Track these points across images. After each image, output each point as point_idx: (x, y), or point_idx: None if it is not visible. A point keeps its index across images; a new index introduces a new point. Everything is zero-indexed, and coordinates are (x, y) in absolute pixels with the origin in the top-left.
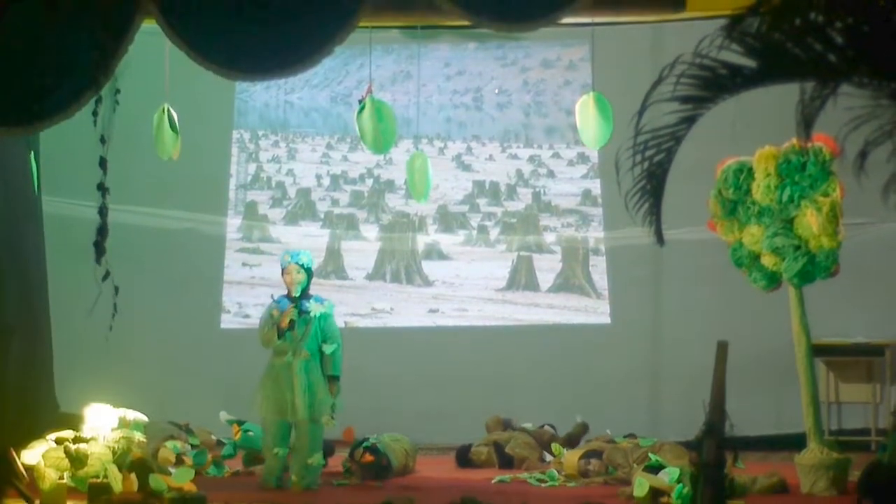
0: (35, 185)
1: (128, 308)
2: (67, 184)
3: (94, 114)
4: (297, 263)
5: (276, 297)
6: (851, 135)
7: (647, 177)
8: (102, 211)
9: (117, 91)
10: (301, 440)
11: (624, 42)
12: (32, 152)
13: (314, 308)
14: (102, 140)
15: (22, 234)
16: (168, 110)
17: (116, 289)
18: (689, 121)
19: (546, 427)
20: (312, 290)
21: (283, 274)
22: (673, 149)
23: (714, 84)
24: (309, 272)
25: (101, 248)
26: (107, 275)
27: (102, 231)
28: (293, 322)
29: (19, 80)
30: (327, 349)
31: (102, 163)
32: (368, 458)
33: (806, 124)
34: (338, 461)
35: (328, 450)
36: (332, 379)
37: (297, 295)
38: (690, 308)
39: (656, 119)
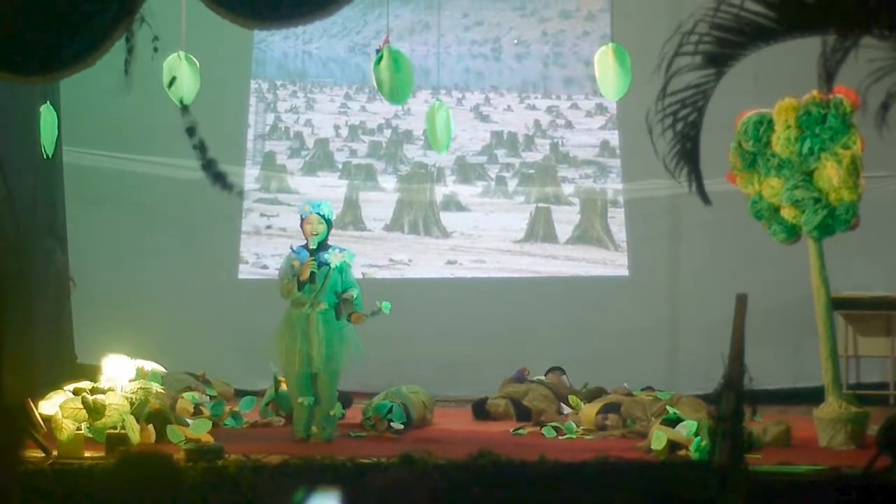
0: (54, 135)
1: (145, 258)
2: (87, 134)
3: (126, 62)
4: (318, 214)
5: (294, 248)
6: (873, 87)
7: (681, 140)
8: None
9: (155, 38)
10: (322, 392)
11: None
12: (49, 102)
13: (334, 258)
14: (182, 105)
15: (41, 184)
16: (188, 57)
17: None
18: (713, 80)
19: (556, 374)
20: (331, 241)
21: (302, 224)
22: (698, 120)
23: (735, 40)
24: (329, 223)
25: (224, 182)
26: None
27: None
28: (313, 274)
29: (38, 28)
30: (350, 295)
31: (184, 107)
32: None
33: (828, 76)
34: (355, 413)
35: (346, 401)
36: (357, 314)
37: (315, 247)
38: (709, 261)
39: (679, 76)
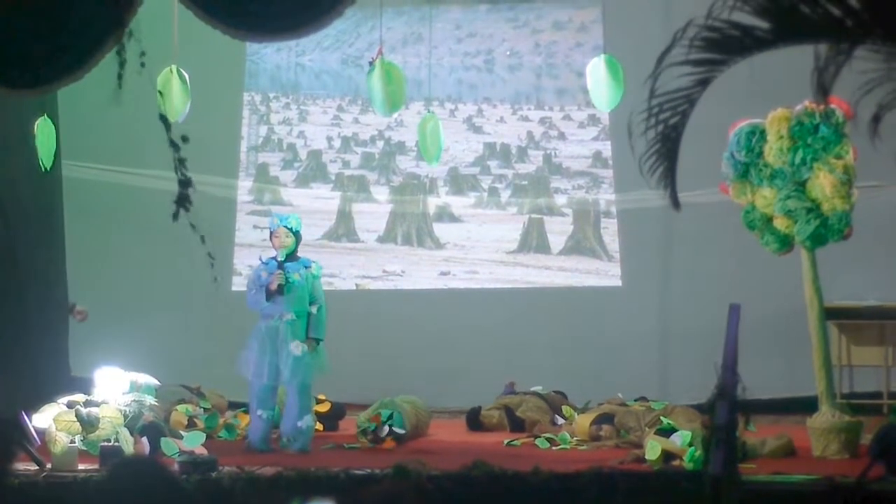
0: (52, 148)
1: (139, 271)
2: (83, 148)
3: (119, 77)
4: (285, 227)
5: (264, 259)
6: (864, 98)
7: (662, 141)
8: (179, 166)
9: (143, 53)
10: (290, 403)
11: (636, 4)
12: (45, 114)
13: (300, 272)
14: (161, 93)
15: (37, 197)
16: (179, 71)
17: (203, 237)
18: (702, 84)
19: (553, 393)
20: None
21: (271, 237)
22: (687, 112)
23: (726, 47)
24: (297, 236)
25: (182, 205)
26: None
27: (184, 186)
28: (281, 286)
29: (27, 41)
30: (313, 310)
31: (164, 119)
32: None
33: (822, 88)
34: (349, 424)
35: (339, 413)
36: (312, 339)
37: (283, 259)
38: (702, 271)
39: (669, 82)
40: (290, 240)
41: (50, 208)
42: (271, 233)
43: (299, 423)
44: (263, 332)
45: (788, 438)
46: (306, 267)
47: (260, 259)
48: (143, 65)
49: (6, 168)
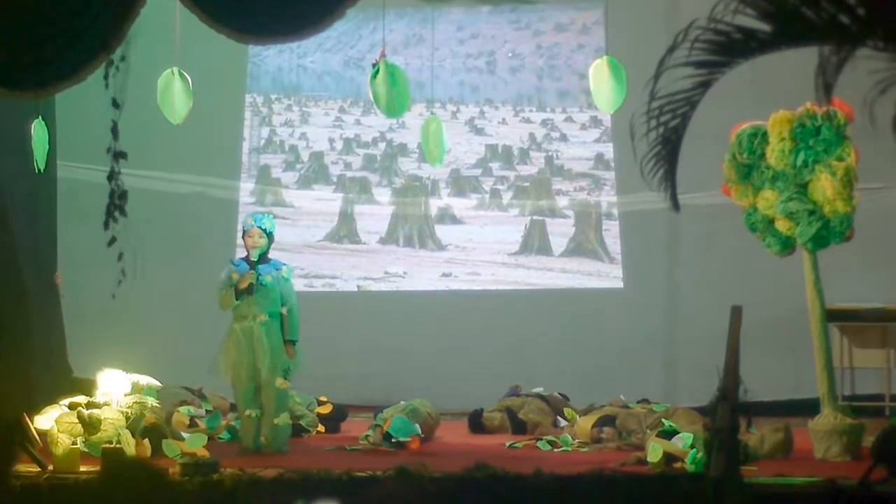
0: (45, 150)
1: (140, 273)
2: (79, 148)
3: (105, 77)
4: (259, 227)
5: (234, 260)
6: (878, 98)
7: (662, 142)
8: (112, 176)
9: (122, 58)
10: (266, 402)
11: (638, 5)
12: (40, 116)
13: (270, 275)
14: (115, 104)
15: (34, 198)
16: (181, 73)
17: (121, 255)
18: (704, 86)
19: (556, 395)
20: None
21: (244, 236)
22: (688, 114)
23: (729, 49)
24: (270, 237)
25: (111, 215)
26: (112, 240)
27: (113, 197)
28: (252, 286)
29: (29, 43)
30: (284, 311)
31: (114, 128)
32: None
33: (826, 87)
34: (351, 426)
35: (341, 415)
36: (289, 342)
37: (255, 259)
38: (704, 273)
39: (670, 84)
40: (264, 240)
41: (46, 209)
42: (244, 232)
43: (276, 421)
44: (239, 334)
45: (786, 428)
46: (277, 269)
47: (231, 260)
48: (117, 69)
49: (2, 170)
